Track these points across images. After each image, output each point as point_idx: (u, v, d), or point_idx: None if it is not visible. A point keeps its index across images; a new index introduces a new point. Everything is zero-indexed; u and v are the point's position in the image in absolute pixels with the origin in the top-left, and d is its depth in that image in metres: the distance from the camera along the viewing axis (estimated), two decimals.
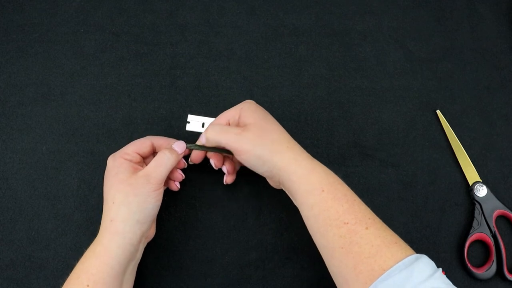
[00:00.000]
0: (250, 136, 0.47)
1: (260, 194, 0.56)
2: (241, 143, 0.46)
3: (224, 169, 0.52)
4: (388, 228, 0.44)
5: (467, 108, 0.60)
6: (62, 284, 0.45)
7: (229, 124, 0.50)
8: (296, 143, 0.49)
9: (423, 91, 0.60)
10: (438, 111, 0.59)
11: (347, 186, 0.46)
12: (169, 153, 0.48)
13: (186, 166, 0.53)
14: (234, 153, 0.48)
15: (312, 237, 0.46)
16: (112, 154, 0.49)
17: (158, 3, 0.63)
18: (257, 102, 0.51)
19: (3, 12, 0.62)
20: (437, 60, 0.61)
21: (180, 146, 0.50)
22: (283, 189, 0.49)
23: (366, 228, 0.42)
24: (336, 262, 0.43)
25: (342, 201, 0.44)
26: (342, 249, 0.42)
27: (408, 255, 0.41)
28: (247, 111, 0.49)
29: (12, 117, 0.58)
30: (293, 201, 0.48)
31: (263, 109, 0.50)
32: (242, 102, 0.50)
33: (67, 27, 0.61)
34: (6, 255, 0.54)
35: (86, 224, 0.55)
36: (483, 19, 0.63)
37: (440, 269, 0.41)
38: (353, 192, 0.46)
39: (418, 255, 0.41)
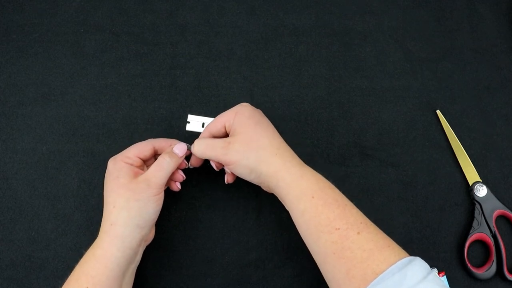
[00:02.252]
0: (237, 147, 0.47)
1: (260, 194, 0.56)
2: (228, 156, 0.47)
3: (226, 168, 0.52)
4: (381, 232, 0.44)
5: (467, 108, 0.60)
6: (61, 285, 0.45)
7: (224, 127, 0.50)
8: (288, 148, 0.49)
9: (423, 91, 0.60)
10: (438, 111, 0.59)
11: (338, 191, 0.46)
12: (169, 158, 0.48)
13: (187, 167, 0.53)
14: (224, 164, 0.49)
15: (305, 242, 0.46)
16: (113, 157, 0.49)
17: (158, 3, 0.63)
18: (257, 102, 0.51)
19: (3, 12, 0.62)
20: (437, 60, 0.61)
21: (181, 148, 0.50)
22: (274, 194, 0.49)
23: (358, 233, 0.42)
24: (329, 267, 0.43)
25: (333, 206, 0.44)
26: (334, 255, 0.42)
27: (401, 258, 0.40)
28: (241, 117, 0.49)
29: (12, 117, 0.58)
30: (285, 206, 0.48)
31: (257, 112, 0.50)
32: (238, 105, 0.50)
33: (67, 27, 0.61)
34: (6, 255, 0.54)
35: (86, 224, 0.55)
36: (483, 19, 0.63)
37: (435, 270, 0.41)
38: (344, 197, 0.46)
39: (412, 257, 0.41)
